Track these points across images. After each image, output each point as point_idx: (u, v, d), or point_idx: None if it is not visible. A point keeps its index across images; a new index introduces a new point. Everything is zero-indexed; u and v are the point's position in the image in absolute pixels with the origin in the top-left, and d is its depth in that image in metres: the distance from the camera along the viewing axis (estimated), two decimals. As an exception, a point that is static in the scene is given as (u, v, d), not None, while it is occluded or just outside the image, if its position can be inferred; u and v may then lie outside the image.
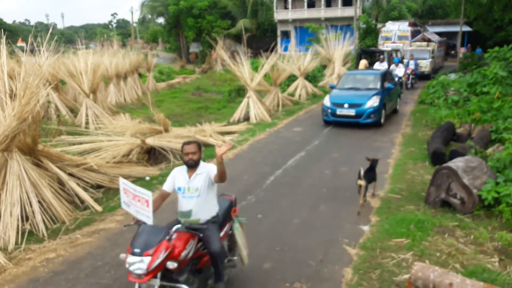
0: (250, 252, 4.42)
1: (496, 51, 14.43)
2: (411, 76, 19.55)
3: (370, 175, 6.44)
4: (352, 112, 11.62)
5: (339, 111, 11.81)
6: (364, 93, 12.14)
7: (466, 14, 28.72)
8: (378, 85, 12.48)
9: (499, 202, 5.74)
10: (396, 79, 16.19)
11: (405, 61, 20.48)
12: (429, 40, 26.27)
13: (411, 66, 19.92)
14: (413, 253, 4.93)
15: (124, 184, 3.73)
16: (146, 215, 3.49)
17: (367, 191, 6.47)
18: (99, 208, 6.51)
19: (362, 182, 6.16)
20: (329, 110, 12.02)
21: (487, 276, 4.33)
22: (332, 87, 13.47)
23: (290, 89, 18.66)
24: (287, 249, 5.13)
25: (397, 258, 4.84)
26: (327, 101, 12.21)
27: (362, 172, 6.17)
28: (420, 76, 22.71)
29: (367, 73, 14.17)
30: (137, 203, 3.56)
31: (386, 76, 13.44)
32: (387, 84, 12.67)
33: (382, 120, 11.98)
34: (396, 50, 23.21)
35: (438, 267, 3.88)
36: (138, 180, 7.85)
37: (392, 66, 17.56)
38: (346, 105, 11.74)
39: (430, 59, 23.90)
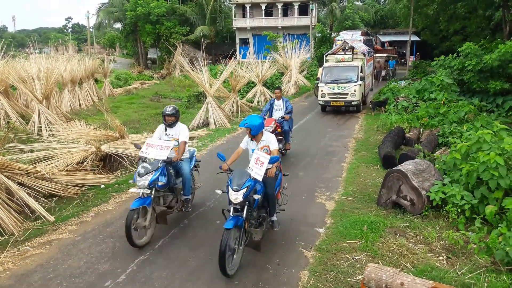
0: (212, 258, 4.30)
1: (442, 59, 15.23)
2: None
3: (375, 104, 16.13)
4: None
5: None
6: None
7: (415, 25, 30.13)
8: None
9: (446, 202, 6.03)
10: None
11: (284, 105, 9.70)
12: (354, 51, 17.46)
13: (275, 115, 9.51)
14: (367, 254, 5.07)
15: None
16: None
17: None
18: (51, 218, 6.26)
19: (371, 106, 16.31)
20: None
21: (435, 274, 4.50)
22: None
23: (249, 95, 18.82)
24: (245, 253, 5.15)
25: (351, 259, 4.96)
26: None
27: (372, 102, 16.68)
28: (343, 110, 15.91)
29: None
30: None
31: None
32: None
33: None
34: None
35: (390, 268, 3.99)
36: (93, 188, 7.63)
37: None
38: None
39: (359, 82, 15.42)
